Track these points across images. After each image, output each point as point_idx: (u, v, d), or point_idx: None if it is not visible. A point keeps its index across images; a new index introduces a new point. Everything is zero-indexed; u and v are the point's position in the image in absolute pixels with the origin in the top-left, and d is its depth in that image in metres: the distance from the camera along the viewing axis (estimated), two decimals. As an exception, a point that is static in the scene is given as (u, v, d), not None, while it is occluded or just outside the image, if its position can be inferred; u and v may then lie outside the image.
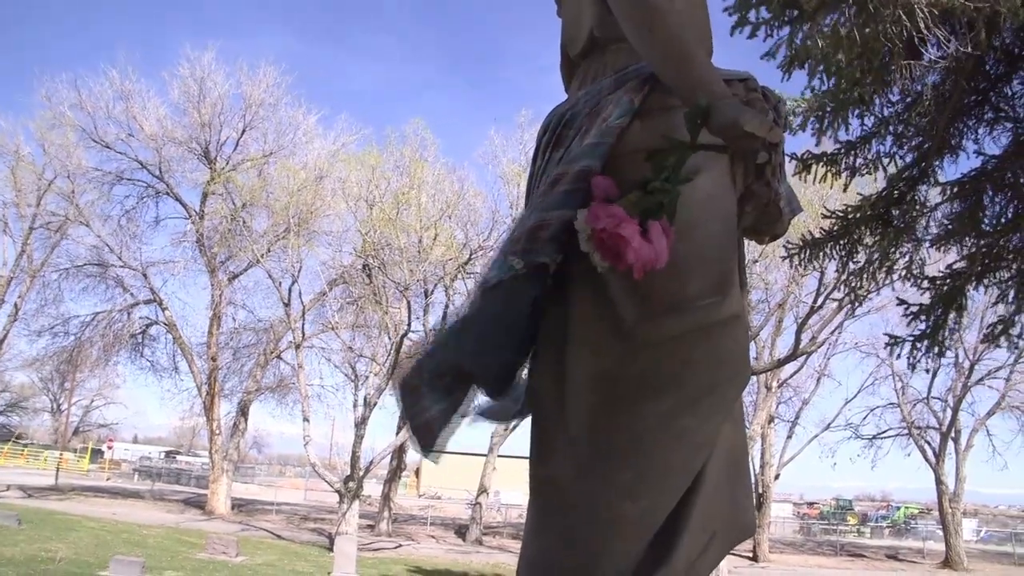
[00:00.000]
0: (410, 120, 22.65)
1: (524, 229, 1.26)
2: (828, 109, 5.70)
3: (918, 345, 6.22)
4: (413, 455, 45.98)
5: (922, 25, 4.59)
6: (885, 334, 6.80)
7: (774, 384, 24.63)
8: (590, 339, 1.27)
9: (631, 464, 1.23)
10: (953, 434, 26.51)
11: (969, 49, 4.73)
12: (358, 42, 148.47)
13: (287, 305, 20.34)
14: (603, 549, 1.24)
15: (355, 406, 19.44)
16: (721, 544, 1.33)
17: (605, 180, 1.20)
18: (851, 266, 6.56)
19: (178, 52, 34.74)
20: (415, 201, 19.86)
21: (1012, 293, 6.06)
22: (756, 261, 19.28)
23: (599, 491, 1.24)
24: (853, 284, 6.69)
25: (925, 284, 6.29)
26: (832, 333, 23.50)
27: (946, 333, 6.22)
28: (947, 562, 26.03)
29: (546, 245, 1.22)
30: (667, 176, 1.14)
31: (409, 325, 19.34)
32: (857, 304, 15.68)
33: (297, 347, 20.05)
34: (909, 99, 6.10)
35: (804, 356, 22.42)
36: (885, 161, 6.24)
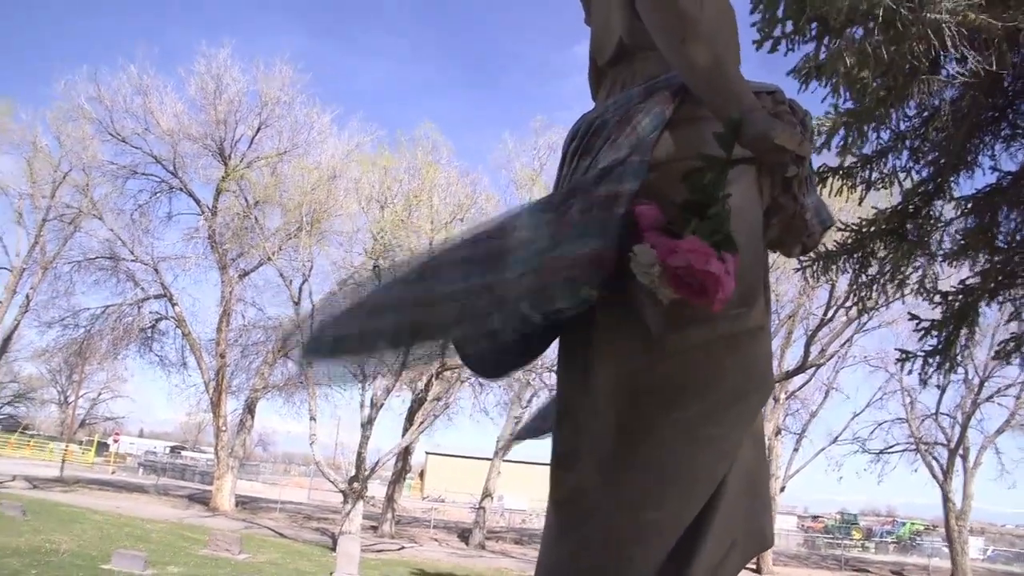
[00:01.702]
0: (421, 123, 22.71)
1: (587, 252, 1.19)
2: (853, 128, 5.68)
3: (930, 360, 6.19)
4: (418, 457, 46.02)
5: (948, 43, 4.57)
6: (897, 349, 6.78)
7: (782, 396, 24.57)
8: (616, 347, 1.27)
9: (654, 472, 1.23)
10: (961, 451, 26.33)
11: (993, 67, 4.70)
12: (370, 43, 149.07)
13: (297, 304, 20.38)
14: (623, 556, 1.24)
15: (362, 406, 19.45)
16: (741, 554, 1.33)
17: (653, 209, 1.18)
18: (863, 278, 6.54)
19: (191, 51, 34.87)
20: (427, 203, 19.89)
21: (1026, 311, 6.03)
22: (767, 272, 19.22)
23: (621, 498, 1.24)
24: (863, 295, 6.67)
25: (937, 299, 6.27)
26: (842, 346, 23.47)
27: (958, 349, 6.19)
28: (952, 580, 25.86)
29: (609, 272, 1.21)
30: (718, 198, 1.13)
31: (418, 327, 19.32)
32: (866, 315, 15.62)
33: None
34: (926, 114, 6.09)
35: (813, 368, 22.37)
36: (901, 175, 6.23)
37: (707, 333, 1.23)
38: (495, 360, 1.47)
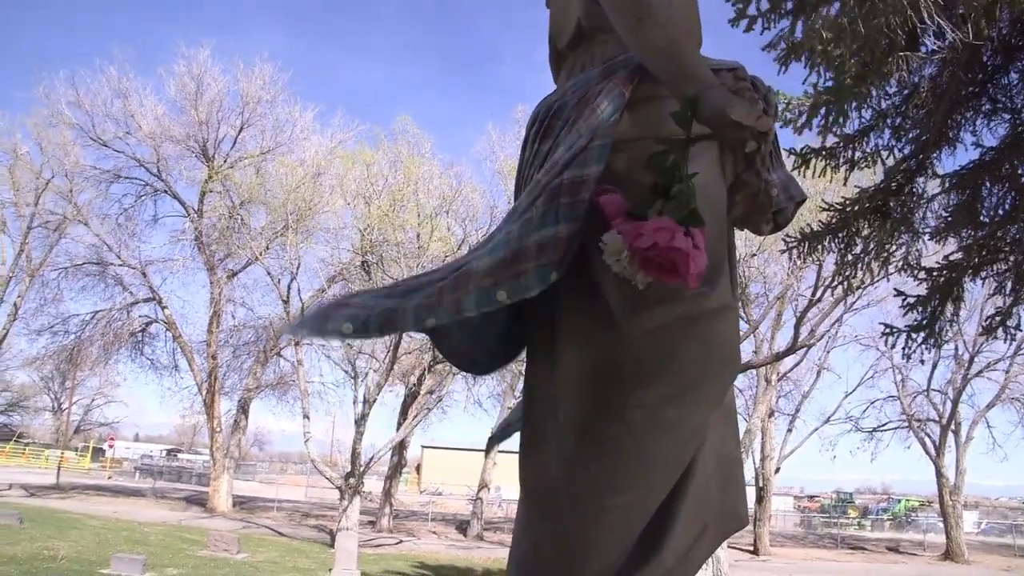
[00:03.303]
0: (398, 117, 22.64)
1: (554, 235, 1.18)
2: (831, 106, 5.66)
3: (913, 336, 6.22)
4: (414, 451, 46.08)
5: (925, 15, 4.56)
6: (881, 323, 6.81)
7: (774, 377, 24.64)
8: (578, 331, 1.26)
9: (617, 457, 1.22)
10: (953, 426, 26.53)
11: (970, 38, 4.69)
12: (356, 41, 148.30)
13: (286, 302, 20.33)
14: (591, 543, 1.23)
15: (355, 403, 19.44)
16: (714, 535, 1.33)
17: (616, 196, 1.17)
18: (848, 258, 6.55)
19: (174, 51, 34.60)
20: (411, 197, 19.85)
21: (1009, 285, 6.05)
22: (755, 254, 19.26)
23: (584, 485, 1.23)
24: (848, 274, 6.69)
25: (922, 275, 6.29)
26: (831, 326, 23.53)
27: (942, 324, 6.22)
28: (948, 554, 26.07)
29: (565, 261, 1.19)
30: (682, 177, 1.12)
31: (408, 321, 19.30)
32: (853, 294, 15.62)
33: (297, 344, 20.03)
34: (906, 91, 6.09)
35: (803, 349, 22.42)
36: (883, 154, 6.23)
37: (668, 314, 1.21)
38: (487, 361, 1.49)
